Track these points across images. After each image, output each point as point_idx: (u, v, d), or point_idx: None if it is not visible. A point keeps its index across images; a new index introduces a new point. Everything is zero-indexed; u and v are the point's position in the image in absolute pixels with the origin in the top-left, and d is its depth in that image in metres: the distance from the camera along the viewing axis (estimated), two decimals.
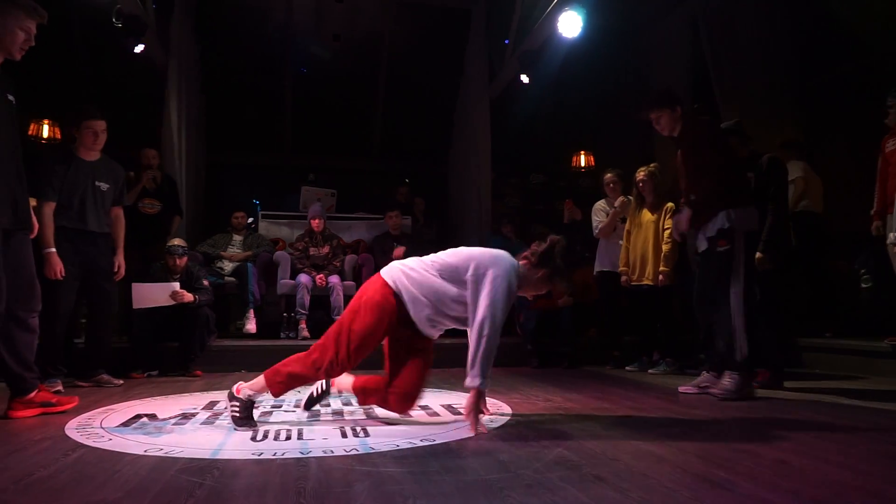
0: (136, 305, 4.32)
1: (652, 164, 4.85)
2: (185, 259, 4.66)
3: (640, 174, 4.75)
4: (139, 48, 5.42)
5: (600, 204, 5.19)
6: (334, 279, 5.65)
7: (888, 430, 2.43)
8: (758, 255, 3.64)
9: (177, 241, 4.68)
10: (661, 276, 4.56)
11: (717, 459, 1.93)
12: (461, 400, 3.24)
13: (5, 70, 2.76)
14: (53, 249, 3.54)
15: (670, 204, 4.66)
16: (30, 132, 6.97)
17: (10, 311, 2.68)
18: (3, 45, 2.68)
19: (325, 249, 5.92)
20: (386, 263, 6.07)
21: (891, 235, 3.54)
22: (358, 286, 5.92)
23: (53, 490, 1.65)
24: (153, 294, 4.35)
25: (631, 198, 4.90)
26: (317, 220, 5.94)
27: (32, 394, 2.82)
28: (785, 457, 1.96)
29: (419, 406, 3.03)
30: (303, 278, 5.55)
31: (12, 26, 2.67)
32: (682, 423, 2.59)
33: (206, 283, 4.71)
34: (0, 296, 2.56)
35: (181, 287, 4.48)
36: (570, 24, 5.34)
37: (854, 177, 5.13)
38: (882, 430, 2.44)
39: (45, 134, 7.16)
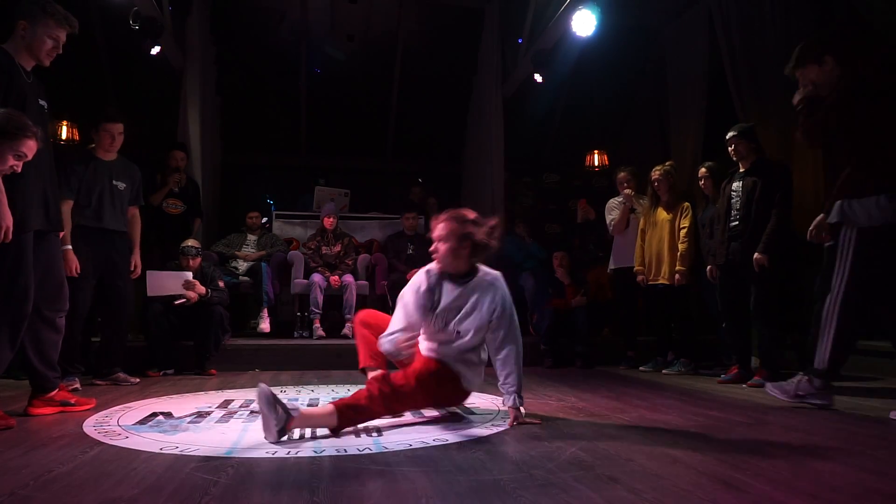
0: (150, 293, 4.36)
1: (667, 163, 4.83)
2: (198, 260, 4.69)
3: (656, 173, 4.73)
4: (156, 50, 5.47)
5: (613, 201, 5.17)
6: (348, 278, 5.67)
7: None
8: (756, 255, 3.73)
9: (190, 242, 4.73)
10: (677, 276, 4.53)
11: (732, 461, 1.91)
12: (474, 400, 3.24)
13: (35, 76, 2.81)
14: (70, 247, 3.59)
15: (686, 203, 4.63)
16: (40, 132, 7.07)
17: (38, 311, 2.72)
18: (31, 51, 2.73)
19: (337, 248, 5.94)
20: (399, 264, 6.09)
21: None
22: (371, 286, 5.98)
23: (72, 486, 1.67)
24: (167, 282, 4.40)
25: (643, 195, 4.87)
26: (329, 219, 5.96)
27: (53, 392, 2.85)
28: (801, 458, 1.94)
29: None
30: (316, 278, 5.58)
31: (41, 34, 2.71)
32: (696, 423, 2.56)
33: (221, 283, 4.75)
34: (27, 296, 2.58)
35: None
36: (584, 23, 5.31)
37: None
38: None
39: (64, 135, 7.26)
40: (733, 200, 3.97)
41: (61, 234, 3.55)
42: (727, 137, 4.01)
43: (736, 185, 3.98)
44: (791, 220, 3.91)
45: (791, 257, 4.00)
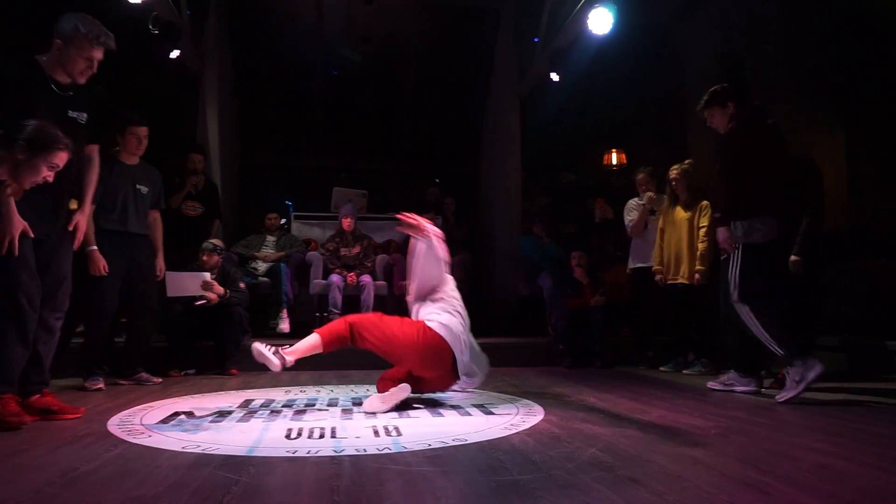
0: (169, 293, 4.39)
1: (686, 162, 4.78)
2: (214, 257, 4.72)
3: (673, 172, 4.69)
4: (175, 54, 5.54)
5: (633, 202, 5.13)
6: (366, 279, 5.69)
7: None
8: (793, 258, 3.63)
9: (212, 240, 4.81)
10: (697, 276, 4.48)
11: (754, 462, 1.89)
12: (493, 400, 3.24)
13: (79, 88, 2.82)
14: (95, 247, 3.65)
15: (705, 202, 4.58)
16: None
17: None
18: (65, 69, 2.74)
19: (356, 249, 5.97)
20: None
21: None
22: (389, 286, 6.00)
23: (97, 484, 1.70)
24: (186, 283, 4.43)
25: (664, 196, 4.83)
26: (347, 220, 5.99)
27: (34, 397, 2.72)
28: (824, 460, 1.91)
29: (450, 405, 3.04)
30: (334, 278, 5.61)
31: (75, 55, 2.72)
32: (717, 424, 2.54)
33: (242, 285, 4.80)
34: (32, 302, 2.55)
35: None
36: (601, 21, 5.29)
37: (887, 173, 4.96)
38: None
39: None
40: None
41: (87, 236, 3.64)
42: None
43: None
44: (824, 219, 3.81)
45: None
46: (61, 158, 2.46)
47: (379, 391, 2.98)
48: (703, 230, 4.51)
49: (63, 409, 2.73)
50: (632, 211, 5.09)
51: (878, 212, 5.00)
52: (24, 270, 2.53)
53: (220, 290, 4.52)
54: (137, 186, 3.92)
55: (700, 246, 4.50)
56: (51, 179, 2.48)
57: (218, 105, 6.23)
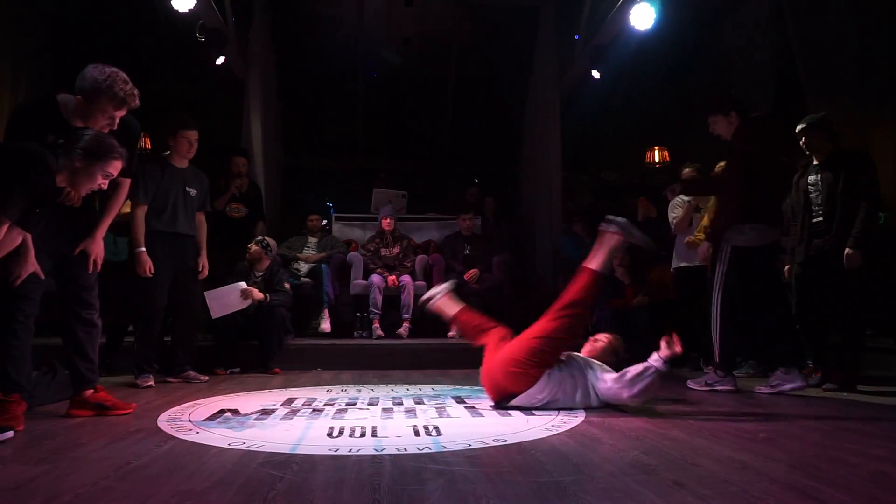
0: (214, 315, 4.49)
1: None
2: (262, 253, 4.84)
3: (719, 168, 4.56)
4: (220, 60, 5.69)
5: (678, 199, 5.01)
6: (405, 279, 5.73)
7: None
8: (848, 251, 3.48)
9: (267, 238, 4.98)
10: None
11: (805, 468, 1.83)
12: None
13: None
14: (143, 249, 3.79)
15: None
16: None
17: (74, 312, 2.77)
18: (84, 121, 2.66)
19: (396, 250, 6.01)
20: (456, 264, 6.12)
21: None
22: (429, 286, 5.99)
23: (149, 478, 1.76)
24: (226, 299, 4.50)
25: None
26: (387, 221, 6.05)
27: (88, 392, 2.80)
28: (882, 467, 1.83)
29: (490, 406, 3.03)
30: (375, 279, 5.66)
31: (96, 113, 2.65)
32: (766, 428, 2.46)
33: (287, 285, 4.89)
34: (32, 304, 2.58)
35: (262, 289, 4.68)
36: (643, 17, 5.20)
37: None
38: None
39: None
40: (812, 195, 3.73)
41: (137, 237, 3.77)
42: (797, 131, 3.78)
43: (812, 178, 3.74)
44: (880, 212, 3.68)
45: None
46: (116, 167, 2.55)
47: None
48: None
49: (116, 405, 2.82)
50: (676, 208, 4.97)
51: None
52: (23, 301, 2.55)
53: (260, 295, 4.59)
54: (187, 189, 4.05)
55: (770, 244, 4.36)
56: (104, 187, 2.58)
57: (262, 109, 6.37)
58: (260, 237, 5.04)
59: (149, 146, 7.66)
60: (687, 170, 4.96)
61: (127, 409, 2.83)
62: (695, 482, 1.68)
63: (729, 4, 6.57)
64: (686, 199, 4.89)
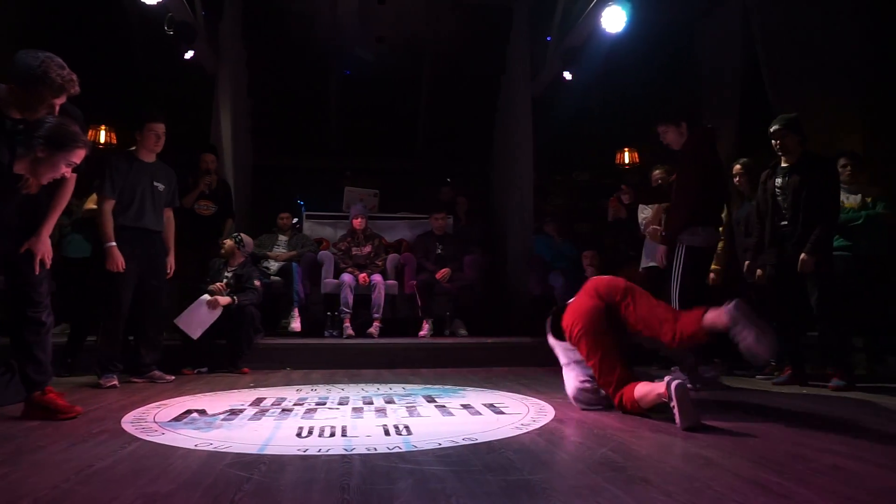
0: (196, 336, 4.43)
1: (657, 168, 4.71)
2: (232, 245, 4.87)
3: (658, 174, 4.62)
4: (189, 54, 5.59)
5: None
6: (377, 278, 5.71)
7: None
8: (803, 256, 3.62)
9: (242, 234, 5.02)
10: (712, 275, 4.42)
11: (767, 463, 1.87)
12: (503, 399, 3.24)
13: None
14: (114, 243, 3.71)
15: None
16: (88, 138, 7.27)
17: (22, 312, 2.67)
18: (20, 110, 2.52)
19: (367, 249, 5.99)
20: (428, 263, 6.13)
21: None
22: (400, 285, 6.02)
23: (112, 481, 1.72)
24: (197, 318, 4.45)
25: None
26: (358, 220, 6.02)
27: (37, 394, 2.68)
28: (840, 462, 1.89)
29: (461, 405, 3.04)
30: (346, 278, 5.63)
31: (32, 102, 2.51)
32: (731, 425, 2.51)
33: (257, 283, 4.84)
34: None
35: (233, 286, 4.66)
36: (614, 19, 5.26)
37: None
38: None
39: (102, 139, 7.46)
40: (779, 198, 3.82)
41: (105, 232, 3.68)
42: (771, 130, 3.83)
43: (779, 181, 3.82)
44: (838, 220, 3.78)
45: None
46: (79, 156, 2.49)
47: None
48: (721, 228, 4.45)
49: (61, 409, 2.66)
50: (646, 209, 5.05)
51: None
52: None
53: (226, 300, 4.55)
54: (155, 183, 3.97)
55: (717, 246, 4.46)
56: (68, 175, 2.51)
57: (232, 105, 6.27)
58: (235, 234, 5.03)
59: (115, 141, 7.51)
60: (657, 171, 5.03)
61: (71, 414, 2.67)
62: (661, 479, 1.71)
63: (699, 9, 6.69)
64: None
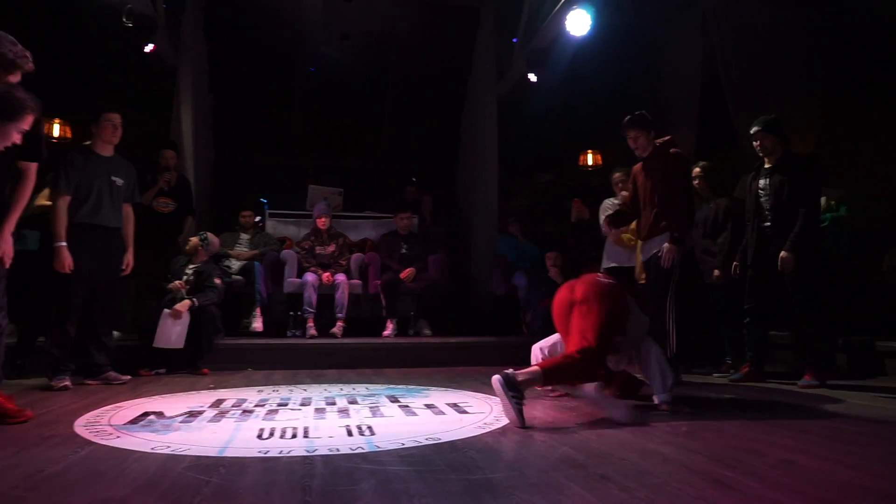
0: (181, 345, 4.38)
1: (616, 172, 4.79)
2: (198, 248, 4.81)
3: (618, 177, 4.70)
4: (149, 48, 5.45)
5: (608, 202, 5.16)
6: (340, 277, 5.67)
7: None
8: (783, 254, 3.64)
9: (209, 233, 4.97)
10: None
11: (723, 459, 1.93)
12: (467, 399, 3.25)
13: None
14: (64, 244, 3.58)
15: None
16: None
17: None
18: None
19: (331, 248, 5.94)
20: (392, 263, 6.10)
21: None
22: (364, 285, 5.98)
23: (64, 487, 1.67)
24: (170, 332, 4.37)
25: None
26: (322, 219, 5.96)
27: None
28: (792, 456, 1.95)
29: (424, 405, 3.05)
30: (309, 277, 5.57)
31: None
32: (688, 422, 2.58)
33: (217, 281, 4.76)
34: None
35: (193, 285, 4.59)
36: (579, 23, 5.32)
37: (879, 178, 5.06)
38: (892, 431, 2.42)
39: (56, 133, 7.22)
40: (762, 199, 3.86)
41: (58, 230, 3.56)
42: (751, 132, 3.90)
43: (763, 182, 3.86)
44: (819, 217, 3.84)
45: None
46: (29, 122, 2.44)
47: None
48: None
49: (9, 414, 2.56)
50: (607, 210, 5.12)
51: (861, 215, 5.06)
52: None
53: (185, 304, 4.47)
54: (112, 178, 3.86)
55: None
56: (19, 142, 2.44)
57: (193, 101, 6.14)
58: (202, 233, 4.98)
59: (70, 135, 7.28)
60: (617, 174, 5.10)
61: (21, 418, 2.58)
62: (620, 475, 1.74)
63: (660, 15, 6.83)
64: (616, 201, 5.06)
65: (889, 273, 4.55)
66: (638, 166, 4.02)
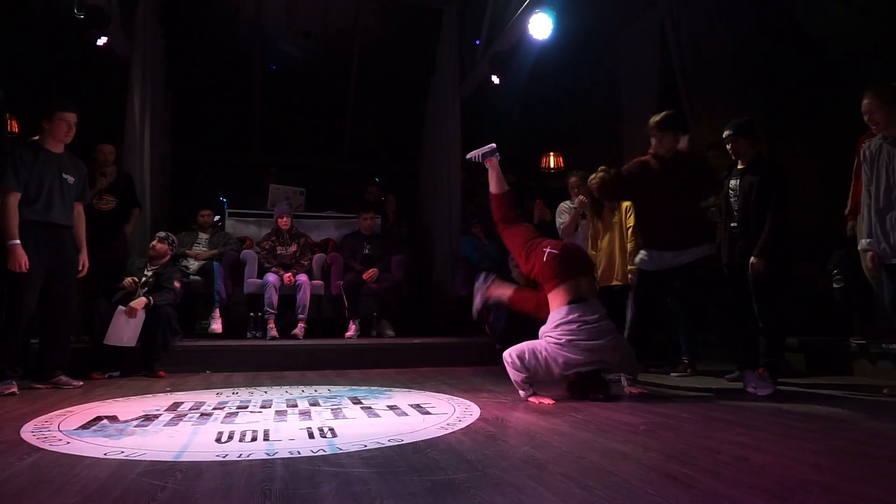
0: (134, 343, 4.27)
1: (600, 168, 4.79)
2: (164, 245, 4.75)
3: (594, 182, 4.72)
4: (102, 41, 5.27)
5: (564, 205, 5.21)
6: (302, 278, 5.60)
7: (845, 427, 2.51)
8: (752, 259, 3.63)
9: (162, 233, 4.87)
10: (630, 276, 4.58)
11: (679, 457, 1.97)
12: (429, 400, 3.25)
13: None
14: (17, 241, 3.45)
15: (627, 203, 4.64)
16: None
17: None
18: None
19: (293, 248, 5.86)
20: (355, 263, 6.03)
21: (863, 242, 3.59)
22: (327, 285, 5.92)
23: (8, 496, 1.60)
24: (122, 329, 4.25)
25: (586, 199, 4.89)
26: (284, 219, 5.88)
27: None
28: (745, 453, 2.01)
29: (387, 406, 3.03)
30: (270, 277, 5.48)
31: None
32: (646, 421, 2.63)
33: (177, 284, 4.64)
34: None
35: (151, 286, 4.48)
36: (541, 26, 5.38)
37: (819, 179, 5.25)
38: (839, 427, 2.51)
39: None
40: (731, 200, 3.88)
41: (9, 228, 3.42)
42: (724, 136, 3.89)
43: (733, 182, 3.87)
44: (786, 221, 3.83)
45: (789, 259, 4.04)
46: None
47: None
48: (631, 229, 4.61)
49: None
50: (563, 213, 5.18)
51: (801, 219, 5.25)
52: None
53: (142, 301, 4.36)
54: (64, 176, 3.73)
55: (629, 245, 4.62)
56: None
57: (148, 96, 5.97)
58: (164, 233, 4.85)
59: (17, 129, 6.99)
60: (573, 179, 5.12)
61: None
62: (581, 474, 1.77)
63: (620, 21, 6.96)
64: (572, 205, 5.11)
65: (827, 279, 4.71)
66: (656, 163, 3.89)
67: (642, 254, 3.95)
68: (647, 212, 3.94)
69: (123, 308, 4.29)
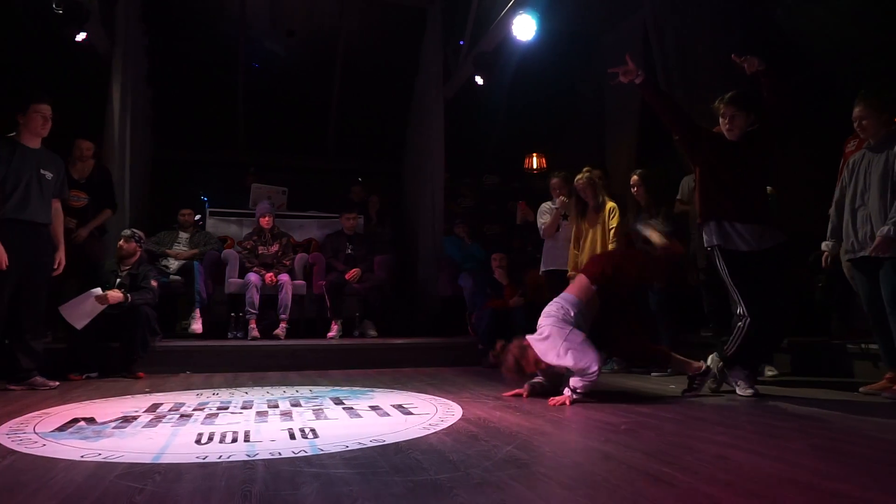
0: (80, 326, 4.13)
1: (585, 169, 4.84)
2: (132, 244, 4.59)
3: (579, 182, 4.77)
4: (81, 37, 5.19)
5: (546, 206, 5.22)
6: (284, 278, 5.56)
7: (823, 425, 2.55)
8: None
9: (128, 231, 4.68)
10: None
11: (659, 455, 1.98)
12: (412, 400, 3.24)
13: None
14: None
15: (612, 204, 4.68)
16: None
17: None
18: None
19: (275, 248, 5.82)
20: (337, 263, 6.01)
21: (823, 243, 3.64)
22: (309, 285, 5.89)
23: None
24: (83, 308, 4.16)
25: (567, 199, 4.92)
26: (266, 218, 5.84)
27: None
28: (723, 451, 2.03)
29: (369, 406, 3.02)
30: (252, 277, 5.44)
31: None
32: (628, 420, 2.65)
33: (153, 283, 4.57)
34: None
35: (127, 287, 4.39)
36: (525, 27, 5.40)
37: (805, 181, 5.32)
38: (818, 426, 2.55)
39: None
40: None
41: None
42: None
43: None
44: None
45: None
46: None
47: None
48: (613, 231, 4.63)
49: None
50: (545, 214, 5.19)
51: (791, 222, 5.31)
52: None
53: (118, 296, 4.26)
54: (42, 171, 3.67)
55: (610, 247, 4.64)
56: None
57: (128, 92, 5.89)
58: (128, 231, 4.70)
59: None
60: (555, 180, 5.14)
61: None
62: (563, 474, 1.78)
63: (604, 23, 7.01)
64: (554, 206, 5.12)
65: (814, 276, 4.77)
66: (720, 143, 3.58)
67: (713, 230, 3.38)
68: (711, 180, 3.50)
69: (98, 292, 4.20)
